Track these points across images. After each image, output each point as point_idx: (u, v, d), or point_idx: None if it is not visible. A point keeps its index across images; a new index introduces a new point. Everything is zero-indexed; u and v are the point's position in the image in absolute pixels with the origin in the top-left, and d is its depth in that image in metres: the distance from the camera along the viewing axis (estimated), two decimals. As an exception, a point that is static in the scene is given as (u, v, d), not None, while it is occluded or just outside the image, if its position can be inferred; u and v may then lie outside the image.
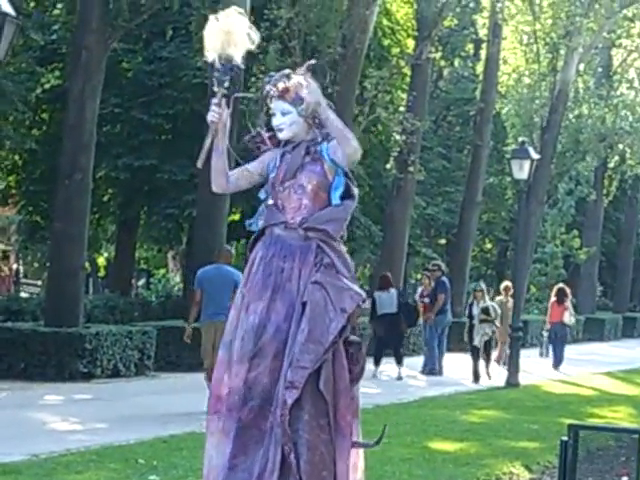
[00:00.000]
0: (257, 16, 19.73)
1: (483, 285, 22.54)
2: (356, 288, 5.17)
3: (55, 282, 18.48)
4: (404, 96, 28.94)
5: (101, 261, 41.40)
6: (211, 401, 5.18)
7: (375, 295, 20.11)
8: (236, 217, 25.63)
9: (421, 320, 21.78)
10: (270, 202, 5.30)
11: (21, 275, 41.71)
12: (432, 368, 20.91)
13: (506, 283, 23.88)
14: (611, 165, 37.38)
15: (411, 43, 28.84)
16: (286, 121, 5.25)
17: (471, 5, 34.73)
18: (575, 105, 33.37)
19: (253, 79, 20.74)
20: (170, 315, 22.71)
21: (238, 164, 5.46)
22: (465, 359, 20.64)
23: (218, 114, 5.27)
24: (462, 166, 35.85)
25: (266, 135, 5.40)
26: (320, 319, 5.01)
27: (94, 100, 18.23)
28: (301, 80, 5.22)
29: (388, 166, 26.91)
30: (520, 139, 22.91)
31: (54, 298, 18.22)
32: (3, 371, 16.95)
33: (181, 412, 13.11)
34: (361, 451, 5.24)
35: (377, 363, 19.71)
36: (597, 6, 29.00)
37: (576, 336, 33.25)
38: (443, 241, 39.71)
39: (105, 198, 27.74)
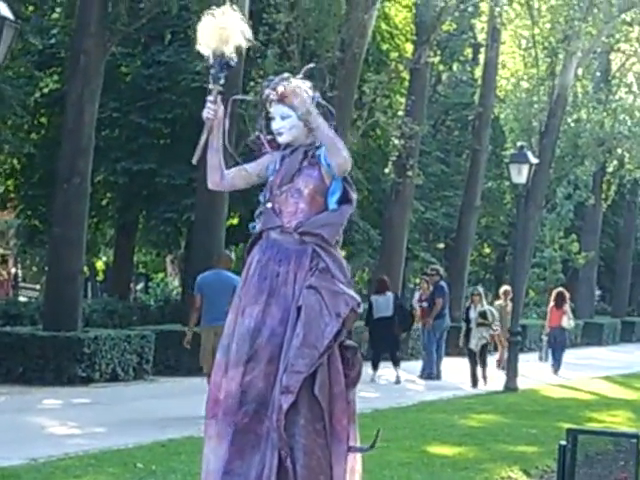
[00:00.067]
0: (256, 20, 19.69)
1: (480, 289, 22.51)
2: (351, 293, 5.16)
3: (54, 286, 18.46)
4: (403, 100, 28.93)
5: (100, 265, 41.40)
6: (209, 405, 5.18)
7: (372, 299, 20.12)
8: (235, 221, 25.64)
9: (419, 324, 21.78)
10: (268, 205, 5.30)
11: (20, 279, 41.63)
12: (430, 372, 20.91)
13: (505, 287, 23.89)
14: (610, 169, 37.36)
15: (410, 47, 28.81)
16: (286, 125, 5.26)
17: (470, 9, 34.62)
18: (574, 109, 33.42)
19: (252, 83, 20.72)
20: (169, 319, 22.72)
21: (237, 164, 5.47)
22: (463, 363, 20.62)
23: (213, 111, 5.28)
24: (461, 170, 35.81)
25: (266, 139, 5.40)
26: (315, 323, 5.01)
27: (93, 104, 18.22)
28: (300, 84, 5.24)
29: (387, 170, 26.87)
30: (519, 143, 22.88)
31: (53, 302, 18.20)
32: (2, 375, 16.95)
33: (180, 416, 13.09)
34: (359, 455, 5.23)
35: (375, 367, 19.71)
36: (596, 10, 29.01)
37: (574, 340, 33.22)
38: (442, 245, 39.64)
39: (104, 202, 27.72)
